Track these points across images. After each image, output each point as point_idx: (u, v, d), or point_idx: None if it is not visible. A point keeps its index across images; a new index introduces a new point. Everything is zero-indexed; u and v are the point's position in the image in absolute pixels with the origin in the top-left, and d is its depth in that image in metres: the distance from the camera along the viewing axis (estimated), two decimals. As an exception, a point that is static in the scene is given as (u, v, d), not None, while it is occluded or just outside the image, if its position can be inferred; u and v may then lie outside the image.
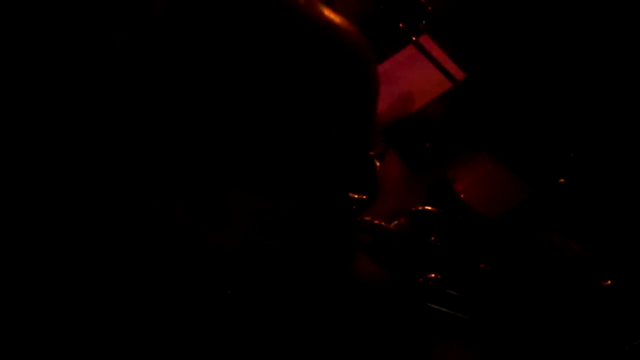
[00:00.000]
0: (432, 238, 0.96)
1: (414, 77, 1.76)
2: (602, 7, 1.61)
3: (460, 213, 1.62)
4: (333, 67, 0.71)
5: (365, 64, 0.74)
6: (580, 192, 1.61)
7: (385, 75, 1.78)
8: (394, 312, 1.12)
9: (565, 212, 1.55)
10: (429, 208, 1.04)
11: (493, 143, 1.74)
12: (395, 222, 0.98)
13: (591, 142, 1.63)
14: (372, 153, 0.76)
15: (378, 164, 0.78)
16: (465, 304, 0.97)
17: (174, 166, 0.68)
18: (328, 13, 0.72)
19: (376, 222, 0.88)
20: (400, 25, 1.69)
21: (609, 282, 0.99)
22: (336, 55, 0.71)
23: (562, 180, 1.60)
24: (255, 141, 0.67)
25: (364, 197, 0.79)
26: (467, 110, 1.76)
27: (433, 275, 0.95)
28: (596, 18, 1.63)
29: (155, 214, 0.69)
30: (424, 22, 1.69)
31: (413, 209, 1.03)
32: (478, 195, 1.69)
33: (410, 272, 0.95)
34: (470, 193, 1.69)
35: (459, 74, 1.73)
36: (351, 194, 0.76)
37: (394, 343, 1.22)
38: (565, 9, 1.65)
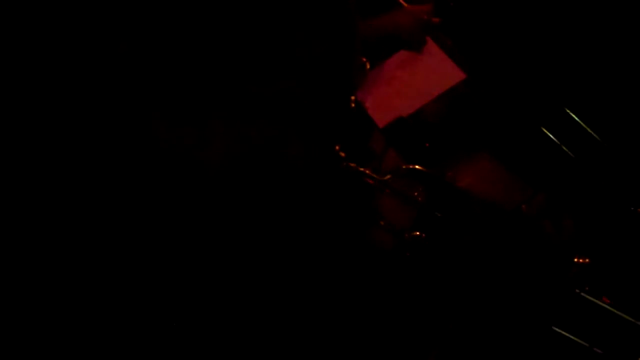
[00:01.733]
0: (416, 194, 0.96)
1: (414, 76, 1.78)
2: (602, 7, 1.63)
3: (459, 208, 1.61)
4: None
5: None
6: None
7: (385, 75, 1.80)
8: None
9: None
10: (420, 167, 1.04)
11: (493, 143, 1.74)
12: (388, 176, 0.99)
13: (590, 140, 1.63)
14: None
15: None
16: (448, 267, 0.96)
17: (170, 92, 0.74)
18: None
19: (361, 169, 0.89)
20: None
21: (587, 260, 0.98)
22: None
23: None
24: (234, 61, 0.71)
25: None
26: (467, 110, 1.77)
27: (417, 233, 0.95)
28: (596, 17, 1.64)
29: (153, 130, 0.76)
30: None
31: (404, 166, 1.04)
32: (478, 195, 1.68)
33: (395, 226, 0.95)
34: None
35: (459, 74, 1.74)
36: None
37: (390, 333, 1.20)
38: (565, 9, 1.67)
